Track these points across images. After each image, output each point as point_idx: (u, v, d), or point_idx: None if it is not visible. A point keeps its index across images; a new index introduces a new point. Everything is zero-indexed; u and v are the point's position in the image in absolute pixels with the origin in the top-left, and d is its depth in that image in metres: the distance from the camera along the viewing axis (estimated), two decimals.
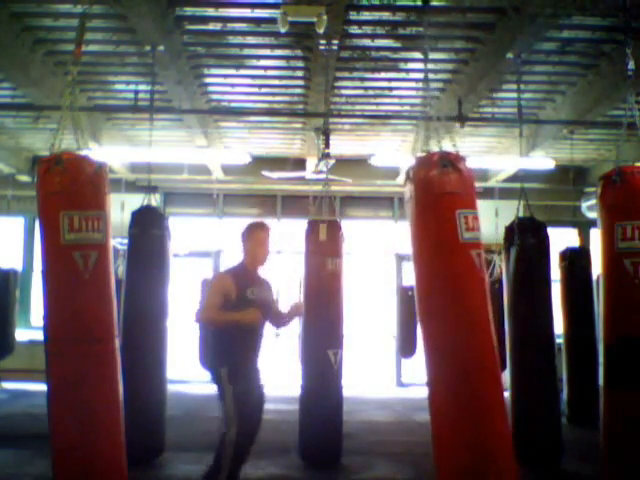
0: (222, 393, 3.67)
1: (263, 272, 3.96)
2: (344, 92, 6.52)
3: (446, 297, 3.04)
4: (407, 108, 6.92)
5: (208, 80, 6.27)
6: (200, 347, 6.35)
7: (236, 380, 3.64)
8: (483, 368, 3.01)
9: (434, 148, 3.21)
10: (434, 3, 4.65)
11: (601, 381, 3.68)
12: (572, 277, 6.91)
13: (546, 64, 5.78)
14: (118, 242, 6.10)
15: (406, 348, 8.91)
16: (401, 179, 9.02)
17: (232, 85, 6.41)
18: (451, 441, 2.98)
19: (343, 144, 8.08)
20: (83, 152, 3.38)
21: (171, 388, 5.25)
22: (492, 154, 8.44)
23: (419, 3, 4.68)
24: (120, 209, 5.95)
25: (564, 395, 6.60)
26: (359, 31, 5.14)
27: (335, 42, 5.10)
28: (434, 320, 3.10)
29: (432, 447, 3.08)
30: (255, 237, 3.87)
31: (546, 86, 6.40)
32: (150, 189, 5.41)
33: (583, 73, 5.95)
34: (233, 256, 10.93)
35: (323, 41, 5.04)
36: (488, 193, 9.10)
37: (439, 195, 3.10)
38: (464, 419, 2.94)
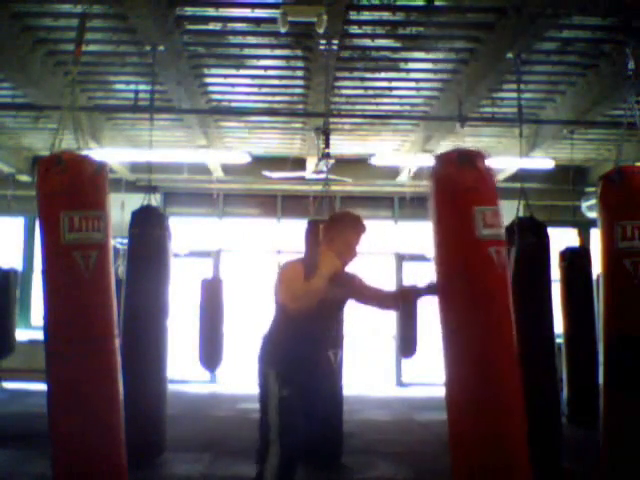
0: (265, 400, 3.02)
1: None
2: (344, 92, 6.52)
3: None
4: (407, 108, 6.92)
5: (208, 80, 6.26)
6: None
7: (285, 384, 2.99)
8: (503, 367, 3.01)
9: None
10: (434, 3, 4.65)
11: (601, 381, 3.69)
12: (572, 277, 6.90)
13: (546, 64, 5.78)
14: (118, 242, 6.10)
15: (406, 348, 8.90)
16: (401, 179, 9.03)
17: (232, 85, 6.41)
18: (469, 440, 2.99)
19: (343, 144, 8.07)
20: (83, 152, 3.38)
21: (171, 388, 5.25)
22: (492, 154, 8.42)
23: (421, 3, 4.68)
24: (120, 209, 5.94)
25: (564, 395, 6.59)
26: (359, 31, 5.14)
27: (335, 42, 5.09)
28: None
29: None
30: (351, 233, 3.26)
31: (546, 86, 6.39)
32: (150, 189, 5.41)
33: (583, 73, 5.95)
34: (233, 256, 10.88)
35: (323, 41, 5.04)
36: None
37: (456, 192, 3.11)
38: (483, 418, 2.93)
